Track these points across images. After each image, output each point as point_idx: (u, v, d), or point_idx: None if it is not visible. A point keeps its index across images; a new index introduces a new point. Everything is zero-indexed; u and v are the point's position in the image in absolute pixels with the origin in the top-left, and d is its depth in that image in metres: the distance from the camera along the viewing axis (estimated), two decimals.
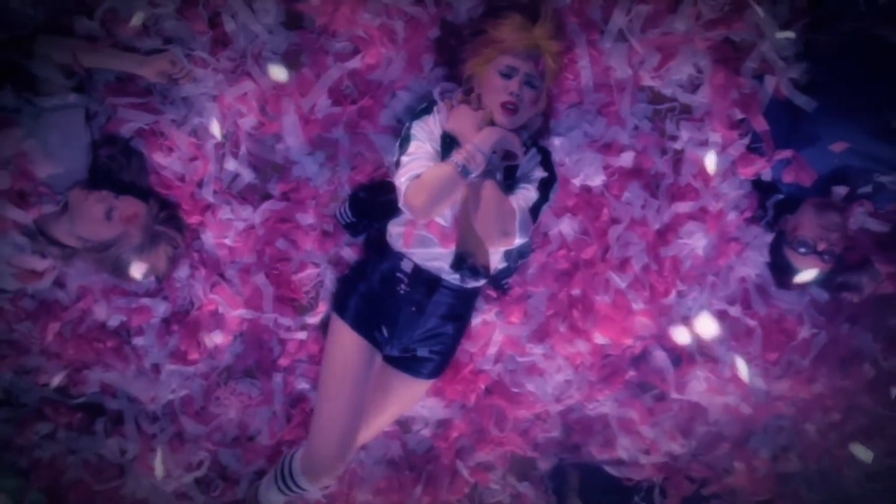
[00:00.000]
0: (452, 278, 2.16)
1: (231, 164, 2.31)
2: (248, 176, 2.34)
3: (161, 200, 2.28)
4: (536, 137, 2.21)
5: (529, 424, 2.66)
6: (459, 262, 2.05)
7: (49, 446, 2.55)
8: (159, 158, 2.27)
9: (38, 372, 2.47)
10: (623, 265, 2.42)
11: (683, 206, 2.38)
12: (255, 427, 2.57)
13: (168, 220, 2.27)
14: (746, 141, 2.29)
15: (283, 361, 2.51)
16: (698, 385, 2.54)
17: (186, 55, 2.19)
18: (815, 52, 2.20)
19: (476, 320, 2.46)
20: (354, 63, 2.22)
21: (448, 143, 2.01)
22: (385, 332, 2.20)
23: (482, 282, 2.12)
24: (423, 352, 2.26)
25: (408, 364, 2.29)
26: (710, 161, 2.25)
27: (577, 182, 2.34)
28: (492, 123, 1.98)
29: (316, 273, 2.43)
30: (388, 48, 2.21)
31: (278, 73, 2.16)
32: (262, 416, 2.56)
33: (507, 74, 1.97)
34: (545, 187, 2.03)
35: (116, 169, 2.23)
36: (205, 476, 2.62)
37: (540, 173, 2.04)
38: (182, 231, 2.31)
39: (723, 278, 2.47)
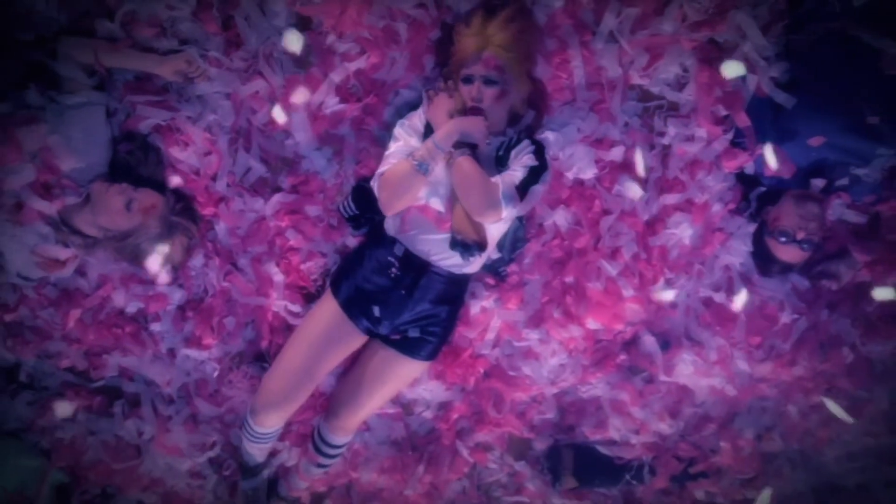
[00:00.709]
0: (443, 263, 2.16)
1: (243, 159, 2.34)
2: (259, 170, 2.36)
3: (177, 193, 2.31)
4: (531, 131, 2.24)
5: (526, 406, 2.68)
6: (455, 240, 2.06)
7: (70, 427, 2.59)
8: (175, 153, 2.29)
9: (59, 356, 2.50)
10: (614, 254, 2.43)
11: (671, 198, 2.39)
12: None
13: (183, 211, 2.29)
14: (730, 136, 2.30)
15: None
16: (685, 368, 2.55)
17: (201, 55, 2.21)
18: (793, 51, 2.20)
19: (475, 307, 2.47)
20: (360, 63, 2.24)
21: (431, 133, 2.06)
22: (377, 312, 2.21)
23: (478, 257, 2.11)
24: (414, 332, 2.26)
25: (405, 345, 2.29)
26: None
27: (570, 175, 2.35)
28: (468, 112, 2.03)
29: (323, 262, 2.46)
30: (391, 49, 2.23)
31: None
32: None
33: (467, 81, 2.03)
34: (534, 172, 2.04)
35: (135, 163, 2.26)
36: (217, 456, 2.66)
37: (530, 161, 2.05)
38: (197, 222, 2.34)
39: (708, 266, 2.48)
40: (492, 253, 2.29)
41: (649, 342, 2.55)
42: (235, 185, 2.37)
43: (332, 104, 2.29)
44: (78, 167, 2.19)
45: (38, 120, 2.14)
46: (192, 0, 2.17)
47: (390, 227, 2.21)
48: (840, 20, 2.09)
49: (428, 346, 2.29)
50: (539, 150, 2.11)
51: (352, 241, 2.46)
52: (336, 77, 2.25)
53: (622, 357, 2.58)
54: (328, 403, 2.49)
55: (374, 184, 2.09)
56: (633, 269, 2.44)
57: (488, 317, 2.50)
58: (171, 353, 2.53)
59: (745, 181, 2.39)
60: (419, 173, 1.98)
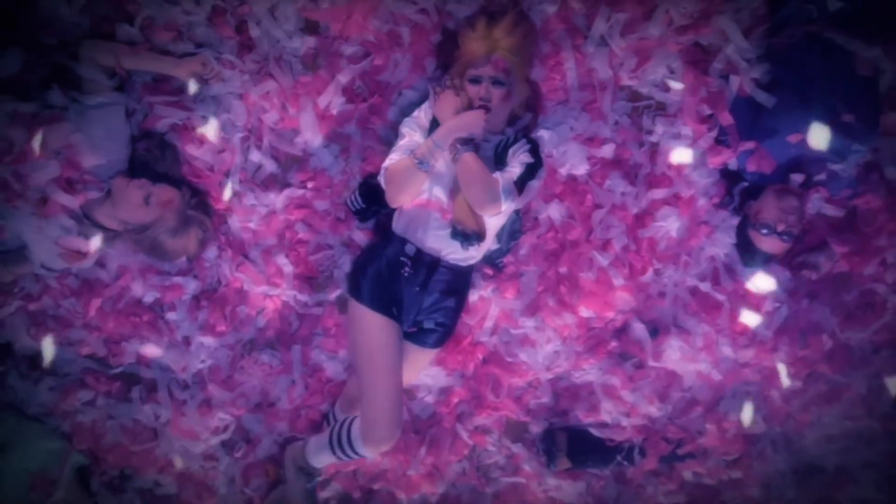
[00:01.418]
0: (451, 258, 2.20)
1: (255, 156, 2.38)
2: (270, 166, 2.40)
3: (192, 188, 2.35)
4: (527, 131, 2.29)
5: (522, 391, 2.70)
6: (455, 230, 2.10)
7: (90, 412, 2.63)
8: (191, 150, 2.33)
9: (80, 344, 2.53)
10: (605, 246, 2.46)
11: (659, 193, 2.42)
12: (276, 394, 2.63)
13: (198, 205, 2.33)
14: (714, 134, 2.34)
15: (302, 334, 2.57)
16: (673, 354, 2.56)
17: (216, 58, 2.25)
18: (773, 54, 2.23)
19: (474, 296, 2.51)
20: (365, 65, 2.28)
21: (436, 127, 2.10)
22: (394, 311, 2.21)
23: (477, 246, 2.15)
24: (428, 324, 2.29)
25: (415, 336, 2.32)
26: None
27: (563, 171, 2.39)
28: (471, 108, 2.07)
29: (331, 254, 2.50)
30: (395, 52, 2.27)
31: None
32: (282, 384, 2.62)
33: (474, 81, 2.07)
34: (530, 168, 2.09)
35: (153, 160, 2.29)
36: (230, 438, 2.68)
37: (526, 158, 2.10)
38: (211, 216, 2.38)
39: (694, 257, 2.50)
40: (491, 244, 2.32)
41: (639, 329, 2.57)
42: (247, 180, 2.40)
43: (339, 104, 2.33)
44: (99, 164, 2.22)
45: (61, 119, 2.18)
46: (207, 6, 2.21)
47: (400, 227, 2.24)
48: (817, 25, 2.12)
49: (436, 335, 2.32)
50: (535, 148, 2.15)
51: (357, 234, 2.49)
52: (343, 78, 2.29)
53: (613, 344, 2.60)
54: (349, 403, 2.51)
55: (380, 178, 2.14)
56: (623, 260, 2.47)
57: (487, 306, 2.53)
58: (187, 340, 2.56)
59: (729, 177, 2.42)
60: (420, 170, 2.04)
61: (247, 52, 2.28)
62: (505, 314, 2.55)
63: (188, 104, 2.31)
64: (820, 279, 2.49)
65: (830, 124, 2.15)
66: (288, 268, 2.48)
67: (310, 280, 2.53)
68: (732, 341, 2.56)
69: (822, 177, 2.31)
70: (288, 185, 2.43)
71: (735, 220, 2.44)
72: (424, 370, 2.60)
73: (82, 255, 2.32)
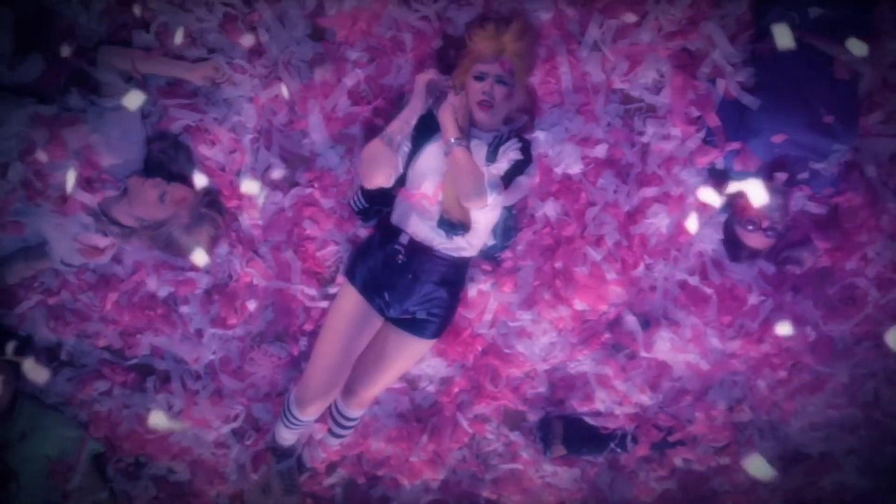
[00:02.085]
0: (442, 248, 2.22)
1: (264, 156, 2.41)
2: (279, 166, 2.42)
3: (205, 187, 2.36)
4: (521, 131, 2.32)
5: (520, 381, 2.71)
6: (442, 219, 2.14)
7: (106, 401, 2.65)
8: (204, 151, 2.35)
9: (97, 336, 2.57)
10: (598, 241, 2.47)
11: (650, 191, 2.43)
12: (284, 384, 2.66)
13: (211, 203, 2.35)
14: (702, 135, 2.35)
15: (308, 327, 2.59)
16: (664, 345, 2.58)
17: (227, 63, 2.28)
18: (758, 58, 2.23)
19: (473, 290, 2.53)
20: (369, 69, 2.31)
21: (423, 127, 2.16)
22: (387, 296, 2.26)
23: (462, 235, 2.17)
24: (422, 314, 2.31)
25: (412, 325, 2.33)
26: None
27: (558, 170, 2.41)
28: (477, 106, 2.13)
29: (336, 250, 2.52)
30: (397, 56, 2.30)
31: None
32: (289, 374, 2.65)
33: (480, 77, 2.11)
34: (518, 165, 2.14)
35: (167, 160, 2.32)
36: (240, 427, 2.71)
37: (516, 155, 2.14)
38: (222, 213, 2.39)
39: (683, 253, 2.51)
40: (487, 240, 2.35)
41: (631, 322, 2.59)
42: (257, 179, 2.41)
43: (345, 106, 2.35)
44: (116, 163, 2.25)
45: (80, 121, 2.21)
46: (219, 13, 2.24)
47: (396, 218, 2.28)
48: (799, 30, 2.13)
49: (432, 326, 2.33)
50: (525, 147, 2.18)
51: (362, 231, 2.51)
52: (348, 82, 2.32)
53: (607, 335, 2.61)
54: (347, 389, 2.51)
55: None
56: (615, 255, 2.49)
57: (485, 299, 2.55)
58: (199, 332, 2.58)
59: (716, 175, 2.42)
60: (386, 146, 2.10)
61: (257, 57, 2.31)
62: (503, 307, 2.57)
63: (201, 106, 2.33)
64: (803, 274, 2.49)
65: (812, 125, 2.16)
66: (296, 263, 2.50)
67: (316, 275, 2.55)
68: (720, 333, 2.58)
69: (805, 175, 2.31)
70: (296, 184, 2.46)
71: (722, 217, 2.44)
72: (424, 361, 2.62)
73: (100, 250, 2.35)
